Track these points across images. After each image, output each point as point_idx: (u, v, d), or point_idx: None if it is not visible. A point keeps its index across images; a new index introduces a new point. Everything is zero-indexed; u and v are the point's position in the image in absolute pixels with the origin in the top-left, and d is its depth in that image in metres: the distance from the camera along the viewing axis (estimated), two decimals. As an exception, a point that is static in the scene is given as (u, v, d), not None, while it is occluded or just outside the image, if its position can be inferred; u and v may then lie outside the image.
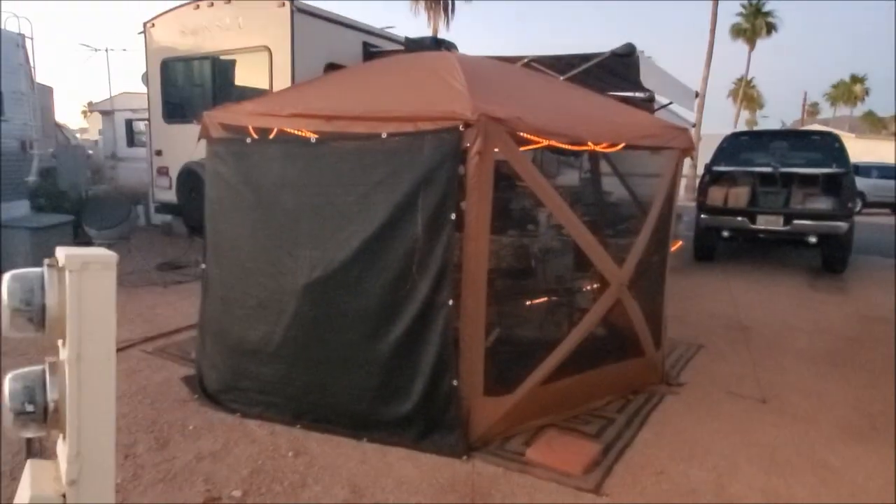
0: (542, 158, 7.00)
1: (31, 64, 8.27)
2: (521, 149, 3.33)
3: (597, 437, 3.27)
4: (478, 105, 2.87)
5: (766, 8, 37.60)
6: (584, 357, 3.57)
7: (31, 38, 8.09)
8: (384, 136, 2.96)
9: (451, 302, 2.94)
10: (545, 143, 3.27)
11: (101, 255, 1.25)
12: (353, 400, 3.21)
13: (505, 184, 4.38)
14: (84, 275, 1.22)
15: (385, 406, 3.15)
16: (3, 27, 7.70)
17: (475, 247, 2.97)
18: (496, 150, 2.89)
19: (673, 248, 9.26)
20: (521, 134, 3.07)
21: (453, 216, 2.88)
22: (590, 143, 3.57)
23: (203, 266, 3.78)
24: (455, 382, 3.00)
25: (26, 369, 1.29)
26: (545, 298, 4.89)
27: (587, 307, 3.84)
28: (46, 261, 1.28)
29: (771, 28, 38.09)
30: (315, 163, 3.20)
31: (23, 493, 1.36)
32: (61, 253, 1.27)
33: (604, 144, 3.62)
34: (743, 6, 37.59)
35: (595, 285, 4.28)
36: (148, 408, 3.53)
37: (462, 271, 3.00)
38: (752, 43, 38.44)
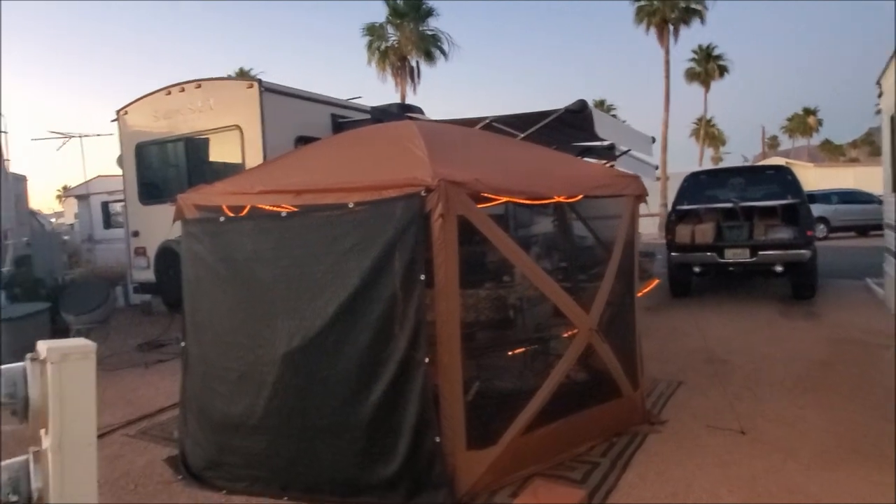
0: (516, 210, 7.26)
1: (5, 156, 8.42)
2: (487, 205, 3.52)
3: (582, 483, 3.31)
4: (438, 170, 3.04)
5: (716, 52, 39.57)
6: (564, 403, 3.64)
7: (5, 132, 8.27)
8: (351, 205, 3.11)
9: (427, 360, 3.02)
10: (505, 199, 3.45)
11: (80, 346, 1.35)
12: (339, 466, 3.22)
13: (479, 238, 4.55)
14: (64, 366, 1.31)
15: (371, 469, 3.17)
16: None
17: (446, 305, 3.08)
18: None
19: (649, 287, 9.52)
20: (482, 193, 3.25)
21: (423, 276, 3.00)
22: (549, 197, 3.77)
23: (183, 343, 3.82)
24: (438, 439, 3.04)
25: (11, 460, 1.35)
26: (525, 347, 4.97)
27: (564, 353, 3.93)
28: (29, 355, 1.36)
29: (723, 70, 39.98)
30: (287, 235, 3.33)
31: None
32: (42, 346, 1.37)
33: (562, 196, 3.82)
34: (694, 52, 39.56)
35: (574, 331, 4.39)
36: (132, 494, 3.49)
37: (436, 329, 3.09)
38: (706, 85, 40.23)
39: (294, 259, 3.28)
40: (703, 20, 29.38)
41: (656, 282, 9.67)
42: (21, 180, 11.60)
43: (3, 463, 1.35)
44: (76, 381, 1.31)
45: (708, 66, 39.45)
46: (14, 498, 1.32)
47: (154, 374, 6.13)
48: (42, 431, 1.38)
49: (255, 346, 3.34)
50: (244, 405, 3.37)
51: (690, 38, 41.94)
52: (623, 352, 3.99)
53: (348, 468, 3.20)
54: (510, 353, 4.97)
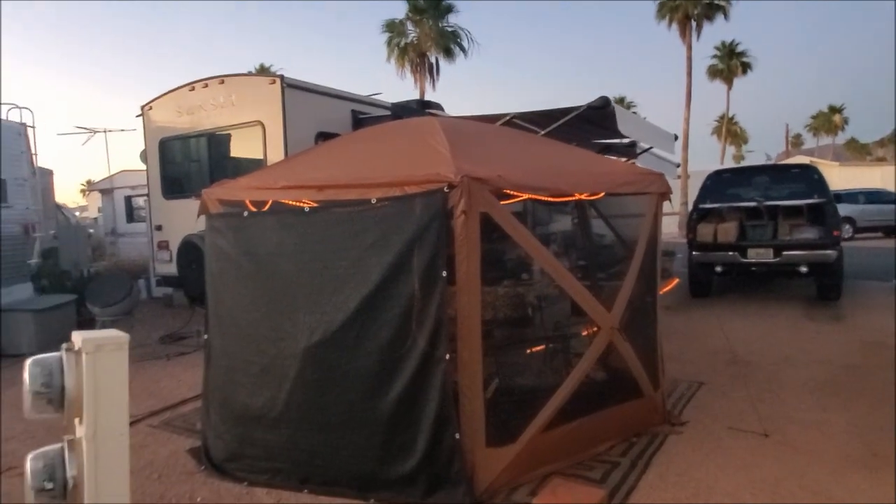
0: (534, 207, 7.26)
1: (33, 150, 8.57)
2: (507, 202, 3.50)
3: (601, 483, 3.29)
4: (461, 166, 3.04)
5: (739, 49, 38.97)
6: (584, 402, 3.62)
7: (33, 127, 8.42)
8: (374, 201, 3.12)
9: (448, 356, 3.02)
10: (527, 196, 3.43)
11: (114, 337, 1.37)
12: (358, 461, 3.24)
13: (497, 235, 4.54)
14: (98, 356, 1.33)
15: (390, 465, 3.18)
16: (5, 117, 8.04)
17: (468, 301, 3.07)
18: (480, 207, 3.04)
19: (669, 286, 9.44)
20: (504, 190, 3.24)
21: (444, 273, 3.00)
22: (572, 194, 3.74)
23: (205, 336, 3.87)
24: (457, 436, 3.05)
25: (46, 448, 1.38)
26: (543, 346, 4.96)
27: (584, 352, 3.91)
28: (64, 345, 1.39)
29: (746, 67, 39.38)
30: (309, 230, 3.35)
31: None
32: (77, 336, 1.39)
33: (585, 194, 3.80)
34: (717, 48, 39.00)
35: (593, 329, 4.37)
36: (156, 482, 3.55)
37: (457, 325, 3.09)
38: (729, 82, 39.69)
39: (316, 254, 3.30)
40: (726, 16, 29.00)
41: (676, 281, 9.57)
42: (47, 174, 11.83)
43: (39, 451, 1.38)
44: (110, 372, 1.33)
45: (731, 62, 38.92)
46: (49, 485, 1.35)
47: (176, 366, 6.23)
48: (76, 420, 1.40)
49: (277, 339, 3.37)
50: (265, 398, 3.41)
51: (713, 34, 41.27)
52: (644, 351, 3.96)
53: (367, 463, 3.22)
54: (529, 350, 4.95)
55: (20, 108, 8.32)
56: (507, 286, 5.35)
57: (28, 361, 1.35)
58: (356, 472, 3.25)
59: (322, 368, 3.24)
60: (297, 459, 3.37)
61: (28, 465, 1.35)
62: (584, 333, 4.71)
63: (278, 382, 3.36)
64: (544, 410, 3.33)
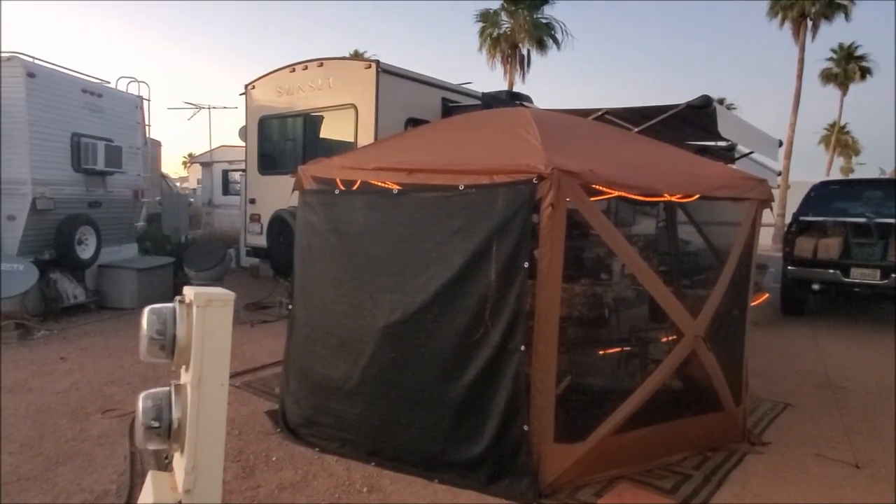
0: (618, 207, 7.05)
1: (147, 122, 9.25)
2: (593, 199, 3.43)
3: (671, 493, 3.19)
4: (551, 159, 3.01)
5: (860, 52, 35.89)
6: (659, 409, 3.52)
7: (148, 100, 9.08)
8: (461, 187, 3.15)
9: (523, 347, 3.02)
10: (617, 193, 3.35)
11: (222, 294, 1.47)
12: (426, 440, 3.31)
13: (578, 232, 4.45)
14: (208, 310, 1.44)
15: (456, 448, 3.23)
16: (124, 90, 8.72)
17: (547, 294, 3.05)
18: (568, 200, 3.00)
19: (758, 301, 8.91)
20: (594, 185, 3.17)
21: (526, 264, 2.99)
22: (665, 194, 3.61)
23: (290, 307, 4.05)
24: (526, 427, 3.05)
25: (156, 389, 1.51)
26: (618, 348, 4.84)
27: (661, 358, 3.79)
28: (177, 297, 1.51)
29: (865, 72, 36.24)
30: (396, 212, 3.43)
31: (145, 499, 1.56)
32: (189, 290, 1.50)
33: (678, 195, 3.65)
34: (833, 51, 36.10)
35: (671, 337, 4.22)
36: (235, 438, 3.77)
37: (534, 318, 3.08)
38: (844, 88, 36.66)
39: (401, 235, 3.38)
40: (847, 16, 26.73)
41: (766, 296, 9.03)
42: (157, 145, 12.72)
43: (149, 392, 1.51)
44: (216, 325, 1.43)
45: (848, 66, 35.87)
46: (156, 424, 1.47)
47: (259, 333, 6.57)
48: (183, 368, 1.52)
49: (358, 315, 3.49)
50: (342, 371, 3.54)
51: (828, 35, 38.26)
52: (728, 364, 3.78)
53: (434, 443, 3.28)
54: (603, 352, 4.85)
55: (138, 81, 9.00)
56: (585, 285, 5.26)
57: (146, 309, 1.48)
58: (423, 451, 3.32)
59: (398, 348, 3.32)
60: (367, 433, 3.49)
61: (140, 404, 1.48)
62: (664, 340, 4.56)
63: (355, 357, 3.47)
64: (617, 412, 3.26)
